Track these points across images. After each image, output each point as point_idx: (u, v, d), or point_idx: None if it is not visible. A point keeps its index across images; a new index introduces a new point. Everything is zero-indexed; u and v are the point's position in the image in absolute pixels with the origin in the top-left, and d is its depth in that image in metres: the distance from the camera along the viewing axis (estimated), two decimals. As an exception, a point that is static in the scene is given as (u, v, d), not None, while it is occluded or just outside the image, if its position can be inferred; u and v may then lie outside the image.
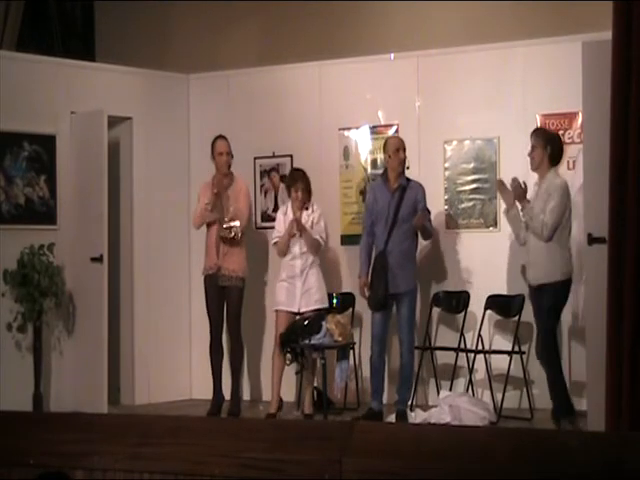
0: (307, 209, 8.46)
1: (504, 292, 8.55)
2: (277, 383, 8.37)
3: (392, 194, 8.20)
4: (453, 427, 4.94)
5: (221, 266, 8.58)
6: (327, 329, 8.13)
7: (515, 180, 7.70)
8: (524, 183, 7.68)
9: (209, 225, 8.68)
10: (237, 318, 8.67)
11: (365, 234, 8.37)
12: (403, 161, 8.25)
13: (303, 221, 8.38)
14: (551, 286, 7.45)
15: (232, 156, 8.75)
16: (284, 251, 8.41)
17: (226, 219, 8.49)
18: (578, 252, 7.71)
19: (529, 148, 7.68)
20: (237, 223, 8.49)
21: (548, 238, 7.45)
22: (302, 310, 8.33)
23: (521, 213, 7.65)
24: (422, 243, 8.99)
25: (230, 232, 8.47)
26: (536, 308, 7.71)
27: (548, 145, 7.57)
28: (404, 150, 8.26)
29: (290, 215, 8.43)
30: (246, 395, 9.47)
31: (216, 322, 8.71)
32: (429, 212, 8.29)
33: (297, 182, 8.45)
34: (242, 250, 8.64)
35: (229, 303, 8.67)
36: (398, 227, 8.14)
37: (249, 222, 9.00)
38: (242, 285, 8.64)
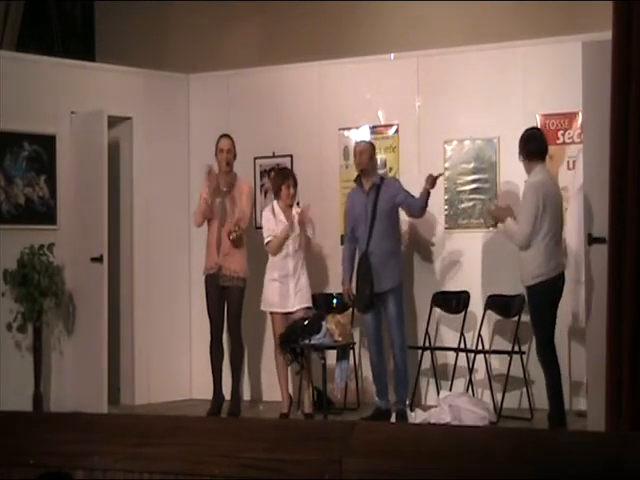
0: (298, 205, 8.49)
1: (504, 292, 8.54)
2: (284, 383, 8.40)
3: (367, 195, 8.25)
4: (453, 427, 4.94)
5: (222, 266, 8.58)
6: (327, 329, 8.13)
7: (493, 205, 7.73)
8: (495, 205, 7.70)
9: (210, 225, 8.68)
10: (238, 318, 8.68)
11: (346, 241, 8.51)
12: (360, 164, 8.31)
13: (292, 218, 8.40)
14: (538, 286, 7.36)
15: (235, 156, 8.75)
16: (278, 251, 8.41)
17: (233, 220, 8.50)
18: (577, 252, 7.68)
19: None
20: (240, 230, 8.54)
21: (525, 246, 7.36)
22: (295, 309, 8.35)
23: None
24: (422, 243, 9.01)
25: (234, 237, 8.49)
26: (529, 309, 7.65)
27: (521, 144, 7.51)
28: (363, 153, 8.32)
29: (279, 213, 8.44)
30: (246, 395, 9.47)
31: (216, 322, 8.71)
32: (412, 196, 8.25)
33: (288, 178, 8.48)
34: (243, 250, 8.65)
35: (230, 303, 8.67)
36: (377, 226, 8.21)
37: (250, 223, 9.00)
38: (243, 285, 8.64)
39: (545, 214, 7.36)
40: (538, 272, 7.34)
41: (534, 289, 7.39)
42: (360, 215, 8.29)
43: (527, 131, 7.74)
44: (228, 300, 8.67)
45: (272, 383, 8.86)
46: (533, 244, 7.35)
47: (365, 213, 8.25)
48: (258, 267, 8.97)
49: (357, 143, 8.68)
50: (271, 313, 8.51)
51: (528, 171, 7.52)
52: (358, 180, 8.43)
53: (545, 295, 7.39)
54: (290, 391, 8.57)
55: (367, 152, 8.37)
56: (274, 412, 8.37)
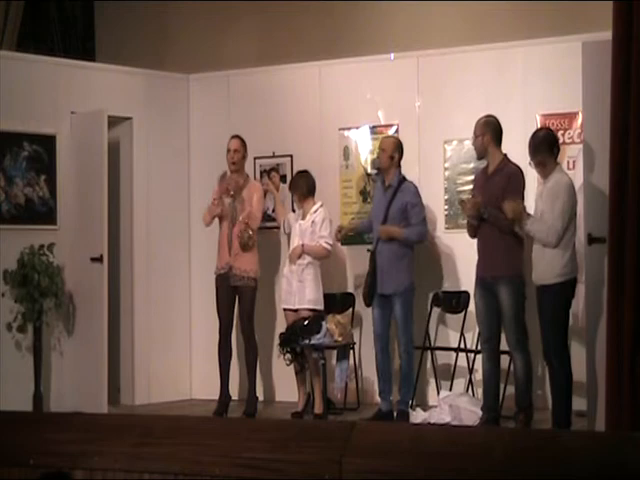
0: (314, 203, 8.52)
1: (504, 292, 8.52)
2: (301, 382, 8.42)
3: (384, 193, 8.26)
4: (453, 427, 4.94)
5: (233, 265, 8.55)
6: (327, 329, 8.13)
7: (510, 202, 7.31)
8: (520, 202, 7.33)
9: (221, 225, 8.65)
10: (250, 318, 8.62)
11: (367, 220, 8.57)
12: (385, 160, 8.23)
13: (306, 222, 8.45)
14: (559, 285, 7.17)
15: (244, 156, 8.73)
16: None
17: (240, 220, 8.50)
18: (578, 252, 7.65)
19: (531, 162, 7.34)
20: (250, 230, 8.54)
21: (556, 244, 7.15)
22: (297, 307, 8.37)
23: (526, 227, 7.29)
24: (422, 243, 9.00)
25: (243, 237, 8.48)
26: (540, 308, 7.38)
27: (554, 147, 7.27)
28: (387, 149, 8.24)
29: (300, 221, 8.50)
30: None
31: (226, 322, 8.66)
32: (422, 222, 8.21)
33: (291, 183, 8.60)
34: (254, 251, 8.63)
35: (241, 303, 8.63)
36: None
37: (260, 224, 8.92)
38: (254, 285, 8.60)
39: (573, 213, 7.23)
40: (564, 270, 7.15)
41: (553, 288, 7.17)
42: (375, 211, 8.30)
43: (546, 133, 7.49)
44: (239, 300, 8.63)
45: (280, 383, 8.84)
46: (563, 242, 7.21)
47: (380, 211, 8.21)
48: (260, 267, 8.97)
49: (383, 138, 8.65)
50: (283, 309, 8.60)
51: (548, 171, 7.24)
52: (380, 175, 8.41)
53: (567, 294, 7.23)
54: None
55: (387, 150, 8.25)
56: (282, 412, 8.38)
